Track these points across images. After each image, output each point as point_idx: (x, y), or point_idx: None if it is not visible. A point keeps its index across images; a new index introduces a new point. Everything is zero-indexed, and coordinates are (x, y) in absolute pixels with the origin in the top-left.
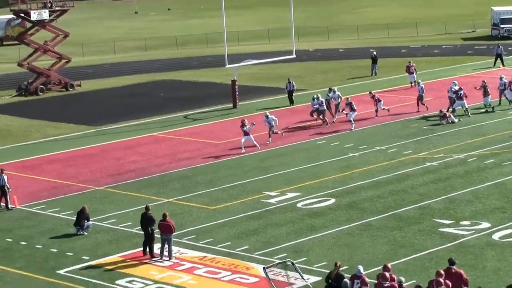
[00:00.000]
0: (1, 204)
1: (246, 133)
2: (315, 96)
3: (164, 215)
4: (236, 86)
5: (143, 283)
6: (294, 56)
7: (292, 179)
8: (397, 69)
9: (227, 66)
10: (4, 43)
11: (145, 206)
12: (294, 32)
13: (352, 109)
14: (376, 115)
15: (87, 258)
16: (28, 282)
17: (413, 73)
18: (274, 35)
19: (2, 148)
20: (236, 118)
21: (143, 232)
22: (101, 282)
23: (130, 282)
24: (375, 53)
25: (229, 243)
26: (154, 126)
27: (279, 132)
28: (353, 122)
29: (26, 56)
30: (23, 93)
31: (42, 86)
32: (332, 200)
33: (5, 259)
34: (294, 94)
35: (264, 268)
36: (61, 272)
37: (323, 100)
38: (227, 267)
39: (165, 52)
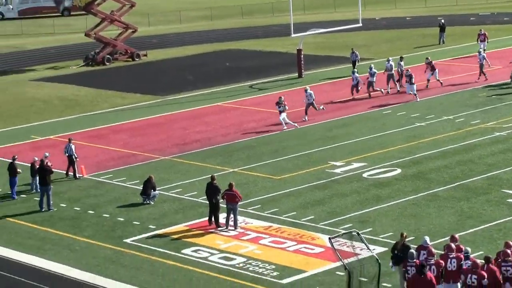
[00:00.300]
0: (69, 173)
1: (280, 111)
2: (356, 70)
3: (230, 185)
4: (302, 56)
5: (208, 252)
6: (360, 24)
7: (358, 149)
8: (465, 37)
9: (293, 35)
10: (72, 13)
11: (210, 175)
12: (361, 0)
13: (411, 82)
14: (441, 85)
15: (154, 227)
16: (95, 251)
17: (484, 42)
18: (340, 4)
19: (70, 118)
20: (301, 88)
21: (208, 202)
22: (167, 251)
23: (195, 251)
24: (443, 21)
25: (294, 213)
26: (219, 96)
27: (321, 107)
28: (415, 94)
29: (93, 26)
30: (90, 63)
31: (108, 56)
32: (398, 170)
33: (73, 227)
34: (357, 64)
35: (329, 238)
36: (128, 241)
37: (376, 71)
38: (292, 237)
39: (230, 22)
